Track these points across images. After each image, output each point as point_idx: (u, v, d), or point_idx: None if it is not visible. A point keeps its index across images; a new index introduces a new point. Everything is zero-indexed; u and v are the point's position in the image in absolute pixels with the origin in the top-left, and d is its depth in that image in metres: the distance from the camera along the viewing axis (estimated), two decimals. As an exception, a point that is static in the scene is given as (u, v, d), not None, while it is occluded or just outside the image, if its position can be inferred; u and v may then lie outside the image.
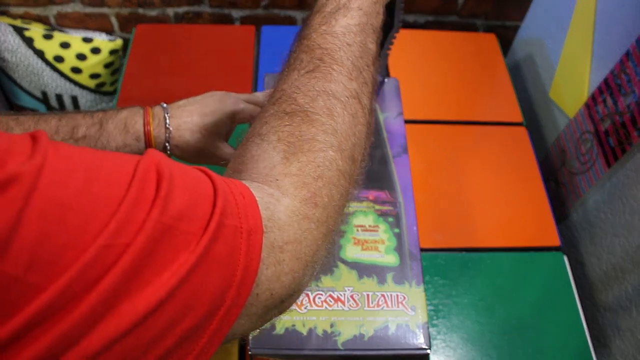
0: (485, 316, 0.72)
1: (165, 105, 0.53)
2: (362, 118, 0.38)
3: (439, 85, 0.97)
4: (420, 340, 0.52)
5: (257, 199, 0.30)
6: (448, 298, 0.73)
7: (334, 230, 0.34)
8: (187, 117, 0.52)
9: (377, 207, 0.59)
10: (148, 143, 0.51)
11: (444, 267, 0.75)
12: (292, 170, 0.32)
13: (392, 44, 0.62)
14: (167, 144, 0.52)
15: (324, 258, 0.34)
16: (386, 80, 0.72)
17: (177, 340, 0.24)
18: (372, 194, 0.60)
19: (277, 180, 0.32)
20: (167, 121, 0.51)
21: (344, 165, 0.35)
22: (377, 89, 0.68)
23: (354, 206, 0.58)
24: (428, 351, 0.52)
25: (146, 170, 0.25)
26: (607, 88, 0.81)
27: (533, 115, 1.08)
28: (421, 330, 0.52)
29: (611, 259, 0.82)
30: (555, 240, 0.79)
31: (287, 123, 0.34)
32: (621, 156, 0.78)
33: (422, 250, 0.77)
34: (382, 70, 0.67)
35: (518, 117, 0.93)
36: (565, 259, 0.78)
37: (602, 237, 0.84)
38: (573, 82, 0.92)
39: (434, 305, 0.72)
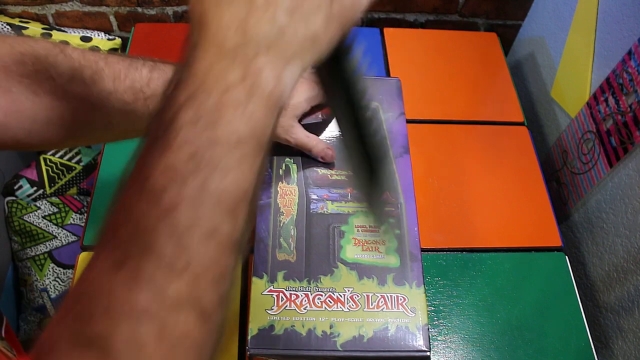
0: (486, 317, 0.71)
1: None
2: (197, 337, 0.25)
3: (440, 85, 0.97)
4: (420, 342, 0.51)
5: None
6: (449, 298, 0.72)
7: None
8: None
9: None
10: None
11: (445, 267, 0.75)
12: None
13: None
14: None
15: None
16: (388, 80, 0.71)
17: None
18: None
19: None
20: None
21: None
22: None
23: (354, 206, 0.58)
24: (428, 353, 0.52)
25: None
26: (609, 87, 0.81)
27: (534, 115, 1.07)
28: (421, 332, 0.52)
29: (613, 260, 0.81)
30: (557, 241, 0.79)
31: None
32: (623, 156, 0.77)
33: (422, 250, 0.76)
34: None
35: (519, 116, 0.93)
36: (567, 259, 0.77)
37: (604, 238, 0.83)
38: (575, 81, 0.92)
39: (434, 306, 0.71)
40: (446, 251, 0.77)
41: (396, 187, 0.60)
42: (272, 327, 0.50)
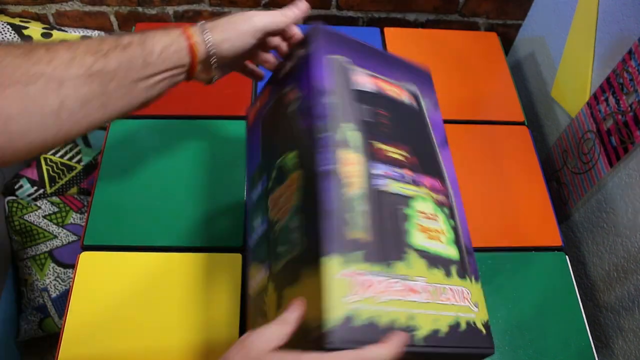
0: (487, 316, 0.71)
1: (205, 26, 0.53)
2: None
3: (440, 85, 0.96)
4: (487, 340, 0.49)
5: None
6: (449, 298, 0.72)
7: None
8: (220, 29, 0.53)
9: (434, 195, 0.53)
10: (193, 59, 0.52)
11: (445, 267, 0.75)
12: None
13: None
14: (213, 58, 0.53)
15: None
16: (422, 69, 0.66)
17: None
18: (427, 180, 0.54)
19: None
20: (208, 36, 0.52)
21: None
22: None
23: (414, 190, 0.51)
24: (492, 350, 0.49)
25: None
26: (609, 87, 0.81)
27: (535, 115, 1.07)
28: (486, 329, 0.49)
29: (613, 259, 0.81)
30: (557, 240, 0.79)
31: None
32: (623, 155, 0.77)
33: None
34: None
35: (520, 116, 0.93)
36: (567, 259, 0.77)
37: (604, 237, 0.83)
38: (575, 81, 0.92)
39: (434, 306, 0.72)
40: (446, 251, 0.77)
41: (445, 177, 0.55)
42: (349, 318, 0.42)
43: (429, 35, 1.05)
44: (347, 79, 0.54)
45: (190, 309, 0.68)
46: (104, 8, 1.12)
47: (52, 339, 1.15)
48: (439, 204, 0.53)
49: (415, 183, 0.52)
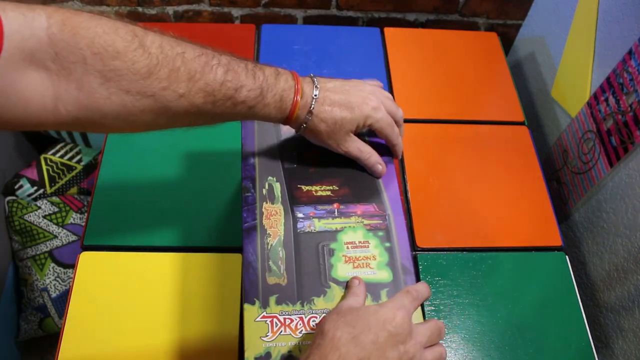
0: (487, 316, 0.71)
1: (316, 92, 0.53)
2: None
3: (440, 84, 0.97)
4: None
5: None
6: (449, 298, 0.72)
7: None
8: (328, 108, 0.54)
9: (366, 221, 0.56)
10: (287, 121, 0.54)
11: (445, 267, 0.75)
12: None
13: None
14: (303, 126, 0.54)
15: None
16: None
17: None
18: (359, 208, 0.57)
19: None
20: (312, 107, 0.53)
21: None
22: None
23: (342, 222, 0.56)
24: None
25: None
26: (610, 87, 0.81)
27: (535, 115, 1.07)
28: None
29: (613, 259, 0.81)
30: (557, 240, 0.79)
31: None
32: (623, 155, 0.77)
33: (422, 250, 0.76)
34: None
35: (519, 116, 0.93)
36: (567, 259, 0.77)
37: (605, 237, 0.83)
38: (575, 80, 0.92)
39: (434, 306, 0.72)
40: (446, 251, 0.77)
41: (383, 198, 0.58)
42: (268, 354, 0.48)
43: (429, 35, 1.05)
44: (277, 131, 0.61)
45: (190, 309, 0.68)
46: (103, 8, 1.12)
47: (52, 339, 1.15)
48: (372, 229, 0.56)
49: (344, 215, 0.56)
